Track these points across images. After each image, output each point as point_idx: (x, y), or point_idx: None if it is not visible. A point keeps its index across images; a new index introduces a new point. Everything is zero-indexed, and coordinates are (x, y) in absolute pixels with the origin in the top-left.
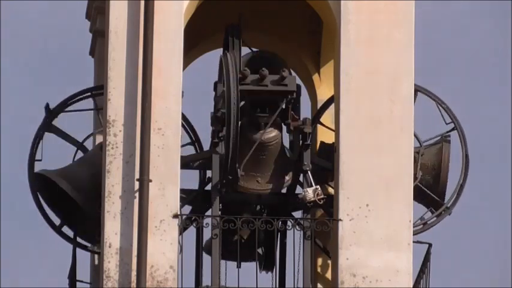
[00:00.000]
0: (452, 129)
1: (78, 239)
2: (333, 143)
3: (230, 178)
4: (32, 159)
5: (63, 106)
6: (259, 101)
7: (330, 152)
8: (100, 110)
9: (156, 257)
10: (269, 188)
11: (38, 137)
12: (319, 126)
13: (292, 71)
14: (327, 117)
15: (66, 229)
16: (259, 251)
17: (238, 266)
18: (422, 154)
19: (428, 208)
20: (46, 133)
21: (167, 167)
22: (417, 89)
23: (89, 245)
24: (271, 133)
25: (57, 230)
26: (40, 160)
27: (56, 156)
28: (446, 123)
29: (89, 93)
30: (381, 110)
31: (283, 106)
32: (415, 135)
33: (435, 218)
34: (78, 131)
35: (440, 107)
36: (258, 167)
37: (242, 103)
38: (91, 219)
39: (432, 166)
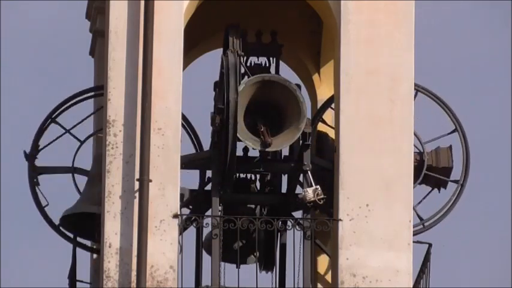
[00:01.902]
0: (453, 131)
1: (78, 239)
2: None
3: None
4: (40, 207)
5: (36, 143)
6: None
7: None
8: (72, 129)
9: (156, 257)
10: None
11: (33, 184)
12: (318, 125)
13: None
14: (327, 117)
15: (65, 229)
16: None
17: (238, 267)
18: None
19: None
20: (39, 176)
21: (167, 167)
22: (417, 89)
23: (93, 245)
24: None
25: (57, 229)
26: (47, 205)
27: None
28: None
29: (50, 120)
30: (381, 110)
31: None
32: (415, 135)
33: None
34: (78, 131)
35: (443, 109)
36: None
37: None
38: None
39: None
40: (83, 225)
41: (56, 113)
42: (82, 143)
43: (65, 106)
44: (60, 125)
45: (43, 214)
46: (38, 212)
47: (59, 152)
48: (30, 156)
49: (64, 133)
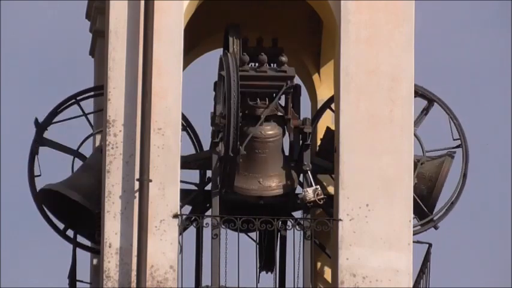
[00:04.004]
0: (458, 146)
1: (78, 239)
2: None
3: (231, 156)
4: (31, 176)
5: (51, 117)
6: (258, 89)
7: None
8: (88, 115)
9: (156, 257)
10: (271, 189)
11: (33, 153)
12: (318, 124)
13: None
14: (327, 117)
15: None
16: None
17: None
18: (422, 163)
19: (415, 216)
20: (41, 147)
21: (167, 167)
22: (433, 99)
23: (93, 246)
24: (271, 130)
25: (58, 230)
26: (39, 175)
27: (55, 167)
28: (454, 139)
29: (73, 100)
30: (380, 110)
31: (283, 91)
32: (419, 143)
33: (419, 227)
34: (77, 134)
35: (451, 121)
36: (259, 167)
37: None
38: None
39: (429, 177)
40: (60, 206)
41: (81, 97)
42: (78, 150)
43: (53, 115)
44: (80, 106)
45: (44, 215)
46: (39, 213)
47: (56, 163)
48: (41, 125)
49: (81, 115)
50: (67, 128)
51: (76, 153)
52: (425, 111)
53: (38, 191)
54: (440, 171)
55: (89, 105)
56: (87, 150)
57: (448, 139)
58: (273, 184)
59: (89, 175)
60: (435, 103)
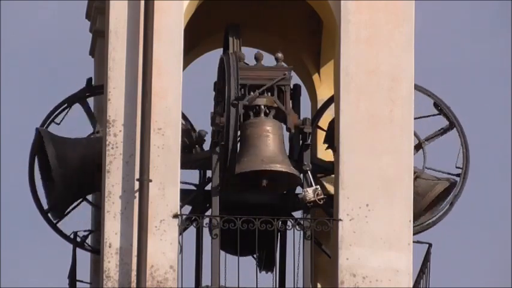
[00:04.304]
0: (458, 175)
1: (78, 239)
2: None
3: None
4: (51, 118)
5: (102, 87)
6: (256, 80)
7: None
8: None
9: (156, 257)
10: (275, 165)
11: (67, 103)
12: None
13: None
14: (327, 117)
15: (65, 228)
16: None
17: (239, 256)
18: (417, 177)
19: None
20: (76, 104)
21: (167, 167)
22: (454, 123)
23: (93, 246)
24: (270, 121)
25: (57, 229)
26: (58, 124)
27: (73, 129)
28: (456, 167)
29: None
30: (380, 110)
31: (280, 78)
32: (423, 158)
33: None
34: (80, 128)
35: (462, 149)
36: (260, 150)
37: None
38: (60, 193)
39: (419, 193)
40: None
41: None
42: (98, 131)
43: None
44: (89, 106)
45: (44, 216)
46: (39, 213)
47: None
48: (92, 87)
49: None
50: (79, 116)
51: (97, 130)
52: (442, 130)
53: (40, 129)
54: (429, 191)
55: (90, 105)
56: None
57: (450, 162)
58: (276, 162)
59: (76, 150)
60: (454, 127)
